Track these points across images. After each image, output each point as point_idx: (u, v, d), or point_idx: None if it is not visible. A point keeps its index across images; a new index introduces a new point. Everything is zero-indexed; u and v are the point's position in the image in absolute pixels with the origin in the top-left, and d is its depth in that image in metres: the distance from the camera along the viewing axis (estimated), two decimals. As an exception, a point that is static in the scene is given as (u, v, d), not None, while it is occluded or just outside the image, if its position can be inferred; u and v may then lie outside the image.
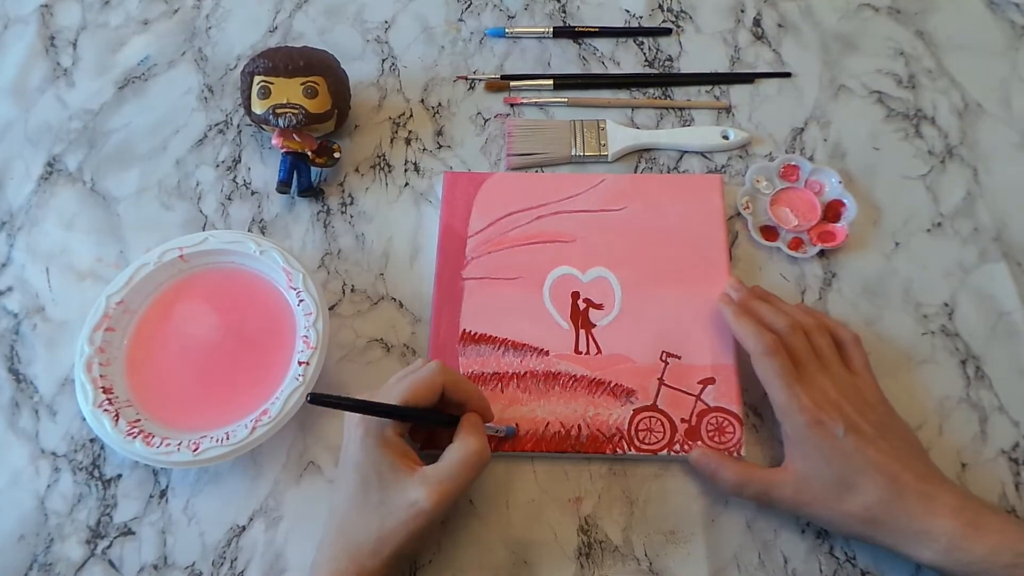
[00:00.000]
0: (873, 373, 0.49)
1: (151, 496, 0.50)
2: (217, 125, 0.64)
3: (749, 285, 0.53)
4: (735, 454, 0.49)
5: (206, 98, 0.65)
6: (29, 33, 0.70)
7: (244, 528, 0.49)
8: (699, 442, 0.50)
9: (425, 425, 0.46)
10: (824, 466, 0.44)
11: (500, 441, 0.50)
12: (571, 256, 0.56)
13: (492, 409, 0.47)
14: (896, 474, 0.43)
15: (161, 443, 0.48)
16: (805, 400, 0.45)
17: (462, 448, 0.43)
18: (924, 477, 0.44)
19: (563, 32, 0.67)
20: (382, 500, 0.42)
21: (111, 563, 0.49)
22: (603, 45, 0.67)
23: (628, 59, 0.66)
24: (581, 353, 0.53)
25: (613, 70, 0.66)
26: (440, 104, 0.64)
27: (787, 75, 0.65)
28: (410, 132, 0.63)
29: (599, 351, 0.53)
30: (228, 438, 0.48)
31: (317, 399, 0.41)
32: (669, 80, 0.65)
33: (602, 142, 0.61)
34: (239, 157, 0.63)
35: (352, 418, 0.44)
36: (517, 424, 0.50)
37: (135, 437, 0.48)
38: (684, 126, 0.63)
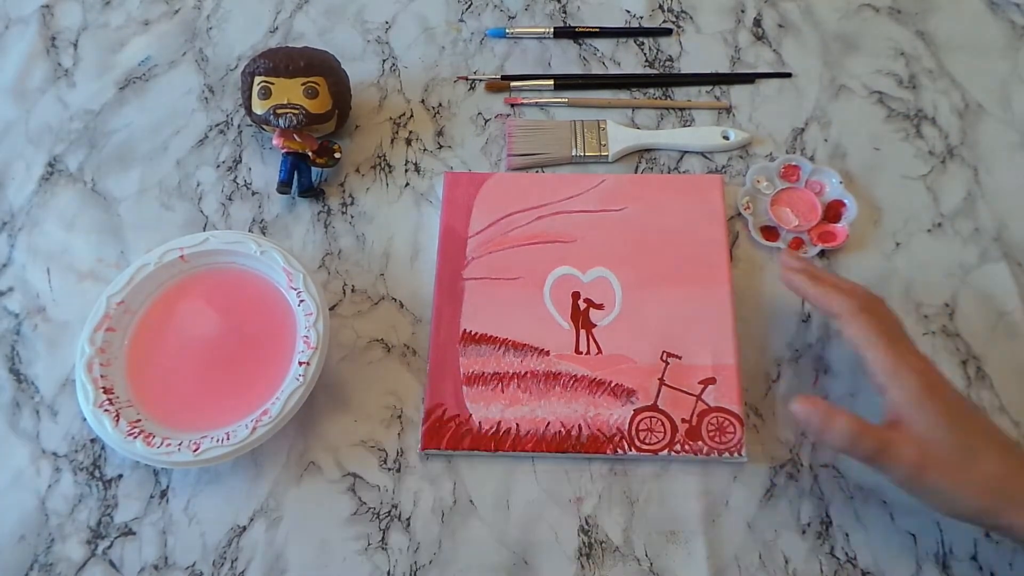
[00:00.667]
0: None
1: (152, 496, 0.50)
2: (218, 125, 0.64)
3: (750, 286, 0.53)
4: (735, 455, 0.49)
5: (207, 98, 0.66)
6: (30, 33, 0.70)
7: (245, 528, 0.49)
8: (699, 442, 0.49)
9: None
10: (946, 431, 0.41)
11: (575, 440, 0.50)
12: (571, 256, 0.56)
13: (495, 408, 0.44)
14: (1013, 445, 0.41)
15: (162, 443, 0.48)
16: (914, 361, 0.42)
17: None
18: None
19: (564, 32, 0.67)
20: None
21: (112, 563, 0.49)
22: (603, 45, 0.67)
23: (628, 59, 0.66)
24: (581, 353, 0.53)
25: (614, 70, 0.66)
26: (441, 104, 0.64)
27: (787, 75, 0.65)
28: (411, 132, 0.63)
29: (599, 351, 0.53)
30: (229, 438, 0.48)
31: None
32: (669, 80, 0.65)
33: (602, 142, 0.61)
34: (240, 157, 0.63)
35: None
36: (518, 424, 0.50)
37: (136, 437, 0.48)
38: (684, 126, 0.63)
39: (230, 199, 0.61)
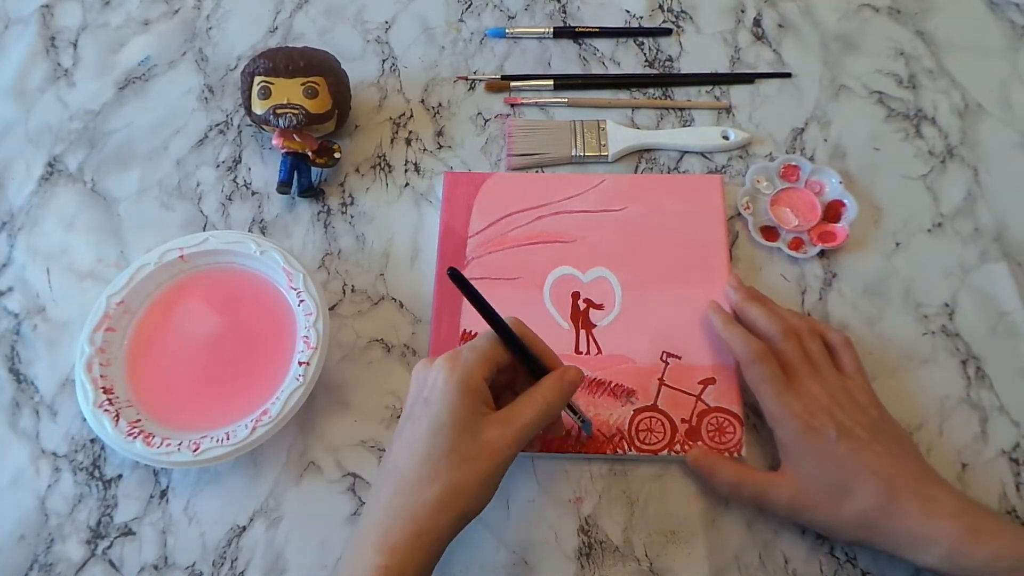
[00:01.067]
0: (866, 375, 0.49)
1: (151, 496, 0.50)
2: (218, 125, 0.64)
3: (750, 285, 0.53)
4: (735, 454, 0.49)
5: (206, 98, 0.66)
6: (30, 33, 0.70)
7: (244, 528, 0.49)
8: (699, 442, 0.50)
9: (520, 360, 0.43)
10: (819, 472, 0.44)
11: (575, 440, 0.50)
12: (571, 256, 0.56)
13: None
14: (892, 478, 0.43)
15: (161, 443, 0.48)
16: (796, 406, 0.45)
17: (542, 392, 0.42)
18: (921, 479, 0.44)
19: (563, 32, 0.67)
20: (454, 447, 0.40)
21: (111, 563, 0.49)
22: (603, 45, 0.67)
23: (628, 59, 0.66)
24: (581, 353, 0.53)
25: (613, 70, 0.66)
26: (440, 104, 0.64)
27: (787, 75, 0.65)
28: (410, 132, 0.63)
29: (599, 351, 0.53)
30: (228, 438, 0.48)
31: (455, 274, 0.41)
32: (669, 80, 0.65)
33: (602, 142, 0.61)
34: (239, 157, 0.63)
35: (434, 365, 0.42)
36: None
37: (135, 437, 0.48)
38: (684, 126, 0.63)
39: (230, 199, 0.61)
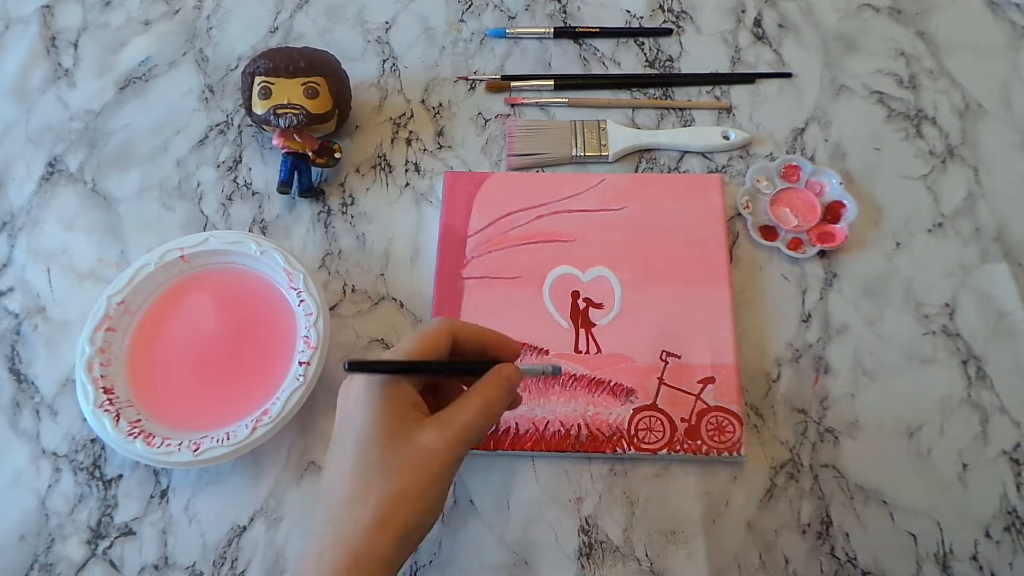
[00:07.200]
0: None
1: (152, 496, 0.51)
2: (218, 125, 0.64)
3: (750, 286, 0.53)
4: (735, 454, 0.49)
5: (207, 99, 0.66)
6: (30, 34, 0.70)
7: (245, 528, 0.49)
8: (699, 441, 0.49)
9: (460, 375, 0.42)
10: None
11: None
12: (571, 255, 0.56)
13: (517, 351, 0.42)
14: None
15: (162, 443, 0.48)
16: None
17: (480, 390, 0.39)
18: None
19: (564, 32, 0.67)
20: (382, 458, 0.36)
21: (112, 563, 0.49)
22: (604, 45, 0.67)
23: (629, 59, 0.66)
24: (581, 352, 0.53)
25: (614, 70, 0.66)
26: (441, 104, 0.64)
27: (788, 75, 0.65)
28: (411, 132, 0.63)
29: (599, 350, 0.53)
30: (229, 438, 0.48)
31: (355, 366, 0.37)
32: (670, 80, 0.65)
33: (603, 142, 0.61)
34: (240, 157, 0.63)
35: (354, 378, 0.39)
36: (517, 423, 0.50)
37: (136, 437, 0.48)
38: (685, 126, 0.63)
39: (230, 199, 0.61)
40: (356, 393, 0.38)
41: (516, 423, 0.50)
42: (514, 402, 0.46)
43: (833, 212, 0.58)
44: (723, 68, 0.65)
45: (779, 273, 0.56)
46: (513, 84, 0.65)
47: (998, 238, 0.57)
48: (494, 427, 0.50)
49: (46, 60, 0.68)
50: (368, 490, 0.36)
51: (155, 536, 0.49)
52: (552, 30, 0.67)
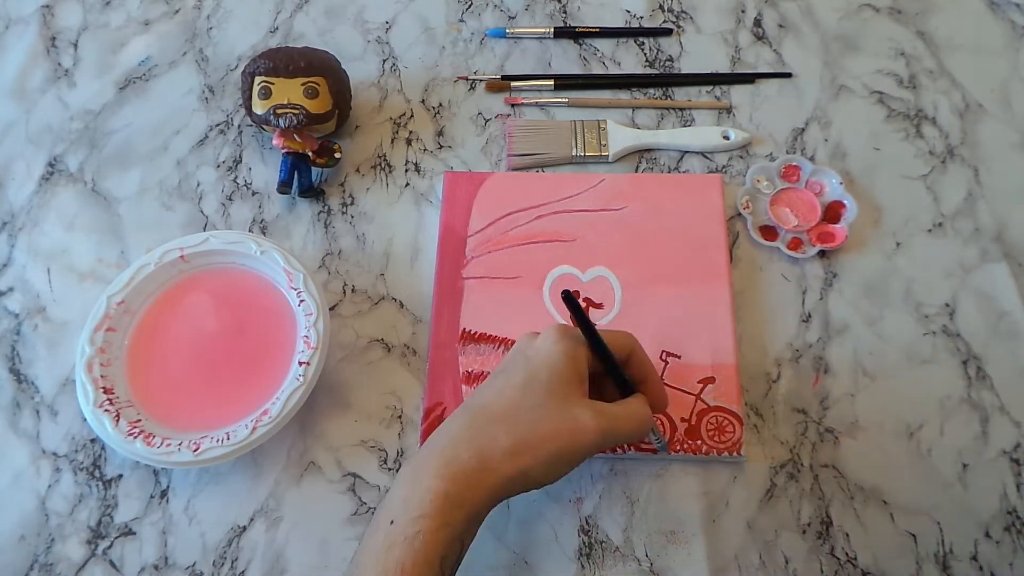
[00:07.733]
0: None
1: (152, 496, 0.51)
2: (218, 125, 0.64)
3: (750, 286, 0.53)
4: (735, 454, 0.49)
5: (207, 98, 0.66)
6: (30, 33, 0.70)
7: (245, 528, 0.49)
8: (699, 441, 0.49)
9: (611, 375, 0.43)
10: None
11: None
12: (571, 255, 0.56)
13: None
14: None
15: (162, 443, 0.48)
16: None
17: (636, 404, 0.42)
18: None
19: (564, 32, 0.67)
20: (543, 404, 0.39)
21: (112, 563, 0.49)
22: (604, 45, 0.67)
23: (629, 59, 0.66)
24: (581, 353, 0.52)
25: (614, 70, 0.66)
26: (441, 104, 0.64)
27: (788, 75, 0.65)
28: (411, 132, 0.63)
29: (599, 351, 0.53)
30: (229, 438, 0.48)
31: (570, 301, 0.42)
32: (670, 80, 0.65)
33: (603, 142, 0.61)
34: (240, 157, 0.63)
35: (543, 331, 0.42)
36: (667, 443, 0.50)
37: (136, 437, 0.48)
38: (685, 126, 0.63)
39: (230, 199, 0.61)
40: (543, 343, 0.41)
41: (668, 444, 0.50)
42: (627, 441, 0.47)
43: (833, 212, 0.58)
44: (723, 68, 0.65)
45: (779, 273, 0.56)
46: (513, 84, 0.65)
47: (998, 238, 0.57)
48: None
49: (46, 60, 0.68)
50: (514, 425, 0.39)
51: (155, 536, 0.49)
52: (552, 30, 0.67)
